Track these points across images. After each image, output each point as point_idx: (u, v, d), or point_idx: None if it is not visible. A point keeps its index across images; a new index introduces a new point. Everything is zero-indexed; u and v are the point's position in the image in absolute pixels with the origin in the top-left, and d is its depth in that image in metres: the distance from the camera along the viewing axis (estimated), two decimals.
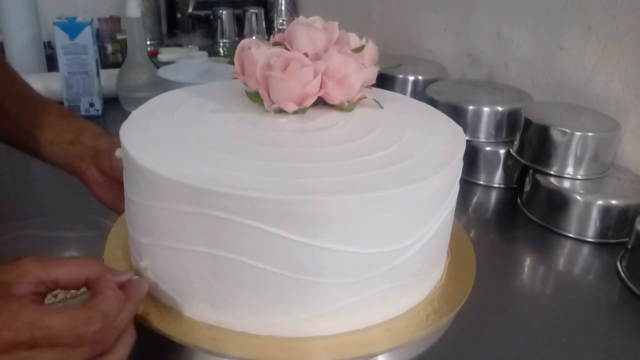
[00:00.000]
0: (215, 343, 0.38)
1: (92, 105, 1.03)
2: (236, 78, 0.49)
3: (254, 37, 1.58)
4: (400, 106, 0.52)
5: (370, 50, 0.50)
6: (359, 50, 0.48)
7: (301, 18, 0.50)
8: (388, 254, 0.38)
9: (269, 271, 0.37)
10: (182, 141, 0.41)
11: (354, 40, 0.49)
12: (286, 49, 0.47)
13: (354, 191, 0.35)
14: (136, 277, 0.39)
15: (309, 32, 0.47)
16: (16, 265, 0.34)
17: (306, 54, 0.46)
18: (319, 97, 0.47)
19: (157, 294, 0.42)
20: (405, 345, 0.40)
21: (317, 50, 0.47)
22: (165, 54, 1.41)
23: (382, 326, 0.40)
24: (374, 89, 0.52)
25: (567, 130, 0.68)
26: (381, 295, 0.39)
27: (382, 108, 0.50)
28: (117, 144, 0.42)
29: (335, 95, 0.47)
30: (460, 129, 0.47)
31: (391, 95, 0.55)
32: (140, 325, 0.39)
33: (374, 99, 0.50)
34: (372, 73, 0.48)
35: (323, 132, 0.45)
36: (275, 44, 0.49)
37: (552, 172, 0.69)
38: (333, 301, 0.38)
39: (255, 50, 0.46)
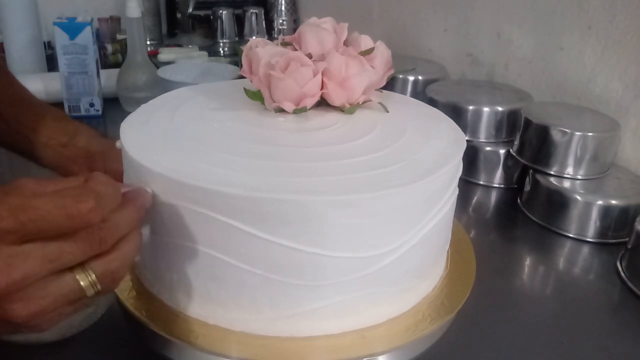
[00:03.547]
0: (188, 334, 0.39)
1: (92, 105, 1.03)
2: (237, 78, 0.50)
3: (253, 37, 1.59)
4: (405, 109, 0.52)
5: (382, 53, 0.49)
6: (367, 52, 0.48)
7: (313, 19, 0.50)
8: (362, 260, 0.38)
9: (238, 267, 0.37)
10: (175, 135, 0.43)
11: (367, 42, 0.49)
12: (295, 49, 0.48)
13: (323, 193, 0.35)
14: (137, 186, 0.37)
15: (317, 33, 0.47)
16: (12, 182, 0.31)
17: (310, 55, 0.46)
18: (322, 98, 0.47)
19: (144, 281, 0.43)
20: (388, 351, 0.40)
21: (324, 52, 0.47)
22: (165, 54, 1.41)
23: (357, 333, 0.40)
24: (384, 91, 0.52)
25: (567, 130, 0.68)
26: (355, 301, 0.39)
27: (388, 112, 0.49)
28: (111, 145, 0.42)
29: (336, 96, 0.47)
30: (463, 135, 0.46)
31: (398, 98, 0.55)
32: (123, 309, 0.40)
33: (380, 103, 0.49)
34: (376, 76, 0.48)
35: (318, 133, 0.45)
36: (284, 44, 0.49)
37: (552, 172, 0.70)
38: (303, 303, 0.38)
39: (261, 49, 0.46)
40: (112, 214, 0.31)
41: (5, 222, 0.27)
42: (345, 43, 0.49)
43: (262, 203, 0.35)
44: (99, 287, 0.31)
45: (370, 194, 0.36)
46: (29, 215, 0.28)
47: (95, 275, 0.31)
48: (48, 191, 0.29)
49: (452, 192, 0.43)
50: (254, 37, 1.61)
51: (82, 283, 0.30)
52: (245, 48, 0.48)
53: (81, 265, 0.31)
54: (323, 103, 0.48)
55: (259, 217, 0.35)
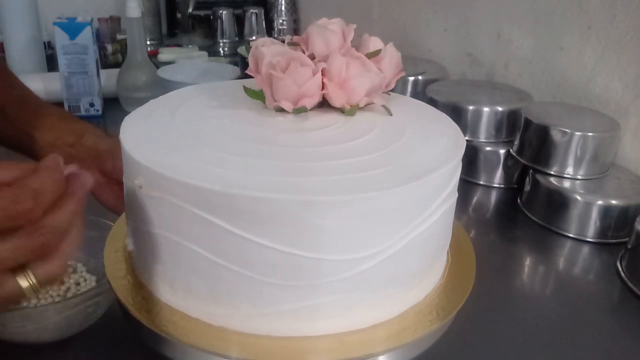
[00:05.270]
0: (169, 325, 0.39)
1: (92, 105, 1.03)
2: (237, 78, 0.50)
3: (253, 37, 1.59)
4: (406, 110, 0.51)
5: (391, 55, 0.49)
6: (374, 54, 0.48)
7: (322, 20, 0.50)
8: (340, 262, 0.37)
9: (216, 262, 0.37)
10: (173, 132, 0.43)
11: (376, 44, 0.49)
12: (302, 50, 0.48)
13: (298, 192, 0.35)
14: (79, 170, 0.36)
15: (323, 33, 0.47)
16: None
17: (312, 55, 0.46)
18: (324, 99, 0.47)
19: (136, 270, 0.44)
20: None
21: (329, 52, 0.47)
22: (165, 54, 1.41)
23: (335, 337, 0.39)
24: (393, 94, 0.52)
25: (567, 130, 0.68)
26: (334, 305, 0.38)
27: (391, 115, 0.49)
28: (119, 145, 0.43)
29: (336, 97, 0.47)
30: (463, 139, 0.45)
31: (400, 99, 0.55)
32: (121, 306, 0.41)
33: (383, 105, 0.49)
34: (379, 77, 0.47)
35: (315, 133, 0.44)
36: (291, 44, 0.49)
37: (552, 172, 0.70)
38: (281, 302, 0.38)
39: (266, 48, 0.46)
40: (53, 213, 0.31)
41: None
42: (355, 44, 0.49)
43: (238, 200, 0.35)
44: (38, 287, 0.32)
45: (350, 196, 0.35)
46: None
47: (36, 279, 0.31)
48: None
49: (445, 198, 0.41)
50: (254, 37, 1.61)
51: (21, 284, 0.31)
52: (252, 48, 0.49)
53: (22, 267, 0.31)
54: (325, 104, 0.48)
55: (235, 214, 0.35)
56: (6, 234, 0.29)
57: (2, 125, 0.58)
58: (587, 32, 0.77)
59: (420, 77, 0.98)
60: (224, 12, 1.57)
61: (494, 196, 0.78)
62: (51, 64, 1.22)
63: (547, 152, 0.69)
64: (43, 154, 0.58)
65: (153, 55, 1.40)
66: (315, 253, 0.36)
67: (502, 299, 0.55)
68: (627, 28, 0.71)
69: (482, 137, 0.80)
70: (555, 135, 0.68)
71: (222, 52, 1.55)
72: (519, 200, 0.75)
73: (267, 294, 0.38)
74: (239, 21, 1.61)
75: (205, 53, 1.42)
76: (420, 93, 0.94)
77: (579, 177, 0.69)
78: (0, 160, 0.33)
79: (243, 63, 1.18)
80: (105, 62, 1.35)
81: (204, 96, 0.51)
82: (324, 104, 0.48)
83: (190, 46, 1.51)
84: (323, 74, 0.46)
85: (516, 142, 0.76)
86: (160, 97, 0.51)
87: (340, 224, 0.36)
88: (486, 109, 0.79)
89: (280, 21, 1.62)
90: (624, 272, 0.59)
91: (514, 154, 0.76)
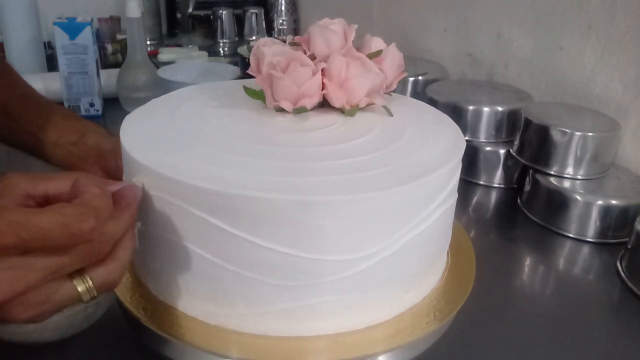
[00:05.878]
0: (167, 324, 0.40)
1: (92, 105, 1.03)
2: (237, 78, 0.50)
3: (253, 37, 1.58)
4: (406, 110, 0.51)
5: (393, 55, 0.49)
6: (375, 55, 0.48)
7: (324, 20, 0.50)
8: (335, 263, 0.37)
9: (213, 262, 0.37)
10: (172, 131, 0.43)
11: (378, 44, 0.49)
12: (304, 50, 0.48)
13: (298, 192, 0.35)
14: (131, 184, 0.38)
15: (325, 34, 0.47)
16: (1, 179, 0.32)
17: (313, 55, 0.46)
18: (325, 99, 0.47)
19: (135, 269, 0.45)
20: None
21: (330, 53, 0.47)
22: (165, 54, 1.41)
23: (331, 337, 0.39)
24: (393, 94, 0.52)
25: (567, 130, 0.68)
26: (329, 305, 0.39)
27: (392, 116, 0.49)
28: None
29: (336, 97, 0.47)
30: (462, 140, 0.45)
31: (400, 99, 0.55)
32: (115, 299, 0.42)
33: (384, 106, 0.49)
34: (379, 78, 0.47)
35: (314, 133, 0.45)
36: (293, 44, 0.49)
37: (552, 172, 0.69)
38: (277, 302, 0.38)
39: (267, 48, 0.47)
40: (107, 224, 0.32)
41: (6, 238, 0.28)
42: (356, 45, 0.49)
43: (237, 200, 0.35)
44: (95, 293, 0.33)
45: (350, 196, 0.35)
46: (31, 232, 0.28)
47: (93, 283, 0.32)
48: (47, 208, 0.30)
49: (444, 199, 0.41)
50: (254, 37, 1.60)
51: (79, 289, 0.32)
52: (254, 47, 0.49)
53: (79, 272, 0.32)
54: (325, 104, 0.48)
55: (234, 214, 0.35)
56: (66, 249, 0.30)
57: (5, 124, 0.58)
58: (587, 32, 0.77)
59: (420, 78, 0.98)
60: (224, 12, 1.57)
61: (494, 196, 0.78)
62: (51, 64, 1.22)
63: (547, 152, 0.69)
64: (46, 152, 0.58)
65: (153, 55, 1.40)
66: (314, 253, 0.36)
67: (502, 299, 0.55)
68: (627, 28, 0.71)
69: (482, 137, 0.80)
70: (555, 135, 0.68)
71: (222, 52, 1.55)
72: (519, 200, 0.75)
73: (265, 294, 0.38)
74: (239, 21, 1.60)
75: (205, 53, 1.42)
76: (420, 93, 0.94)
77: (579, 177, 0.69)
78: (43, 173, 0.34)
79: (243, 63, 1.17)
80: (105, 62, 1.35)
81: (204, 96, 0.51)
82: (324, 104, 0.48)
83: (190, 46, 1.51)
84: (323, 74, 0.46)
85: (516, 142, 0.76)
86: (161, 97, 0.51)
87: (339, 224, 0.36)
88: (486, 109, 0.79)
89: (280, 21, 1.62)
90: (624, 272, 0.59)
91: (514, 154, 0.76)
